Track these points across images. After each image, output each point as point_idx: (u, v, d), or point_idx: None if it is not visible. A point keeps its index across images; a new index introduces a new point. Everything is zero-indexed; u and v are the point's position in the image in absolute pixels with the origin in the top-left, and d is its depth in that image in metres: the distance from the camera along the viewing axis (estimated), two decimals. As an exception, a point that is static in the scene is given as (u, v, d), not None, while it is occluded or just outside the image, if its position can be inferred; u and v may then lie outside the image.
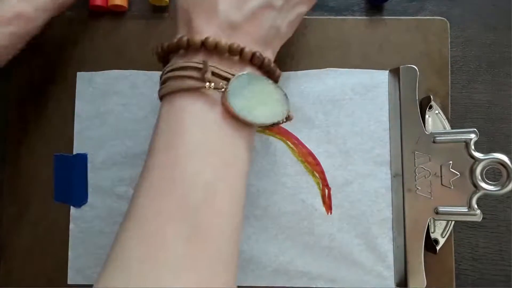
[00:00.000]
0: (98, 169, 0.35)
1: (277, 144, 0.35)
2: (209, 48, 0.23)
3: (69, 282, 0.34)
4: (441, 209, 0.32)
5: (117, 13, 0.36)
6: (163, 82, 0.24)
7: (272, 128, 0.35)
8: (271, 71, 0.25)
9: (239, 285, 0.34)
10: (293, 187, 0.34)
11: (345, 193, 0.35)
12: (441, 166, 0.33)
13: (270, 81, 0.24)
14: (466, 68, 0.37)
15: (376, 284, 0.34)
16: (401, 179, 0.34)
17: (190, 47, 0.23)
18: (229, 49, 0.23)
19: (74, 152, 0.35)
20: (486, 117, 0.37)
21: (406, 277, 0.33)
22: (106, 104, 0.35)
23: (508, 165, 0.31)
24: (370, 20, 0.36)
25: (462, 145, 0.32)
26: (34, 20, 0.29)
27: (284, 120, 0.25)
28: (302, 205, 0.34)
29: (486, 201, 0.36)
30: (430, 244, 0.33)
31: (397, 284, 0.34)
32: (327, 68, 0.35)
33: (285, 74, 0.35)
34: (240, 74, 0.23)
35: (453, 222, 0.34)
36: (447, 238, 0.34)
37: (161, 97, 0.24)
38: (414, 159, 0.33)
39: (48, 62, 0.35)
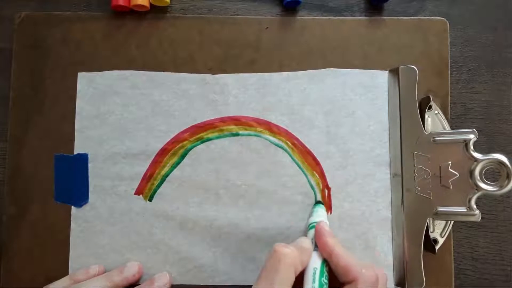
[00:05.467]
0: (98, 168, 0.35)
1: (277, 144, 0.35)
2: None
3: (70, 281, 0.34)
4: (440, 209, 0.33)
5: (119, 13, 0.36)
6: None
7: (272, 129, 0.35)
8: None
9: (240, 284, 0.34)
10: (293, 187, 0.35)
11: (345, 193, 0.35)
12: (440, 166, 0.33)
13: None
14: (466, 68, 0.37)
15: (376, 284, 0.34)
16: (401, 179, 0.34)
17: None
18: None
19: (75, 152, 0.35)
20: (486, 117, 0.37)
21: (406, 277, 0.33)
22: (107, 104, 0.35)
23: (507, 165, 0.31)
24: (370, 20, 0.36)
25: (462, 145, 0.32)
26: None
27: None
28: (302, 205, 0.34)
29: (485, 201, 0.36)
30: (429, 244, 0.33)
31: (397, 284, 0.34)
32: (327, 68, 0.36)
33: (285, 74, 0.35)
34: None
35: (452, 222, 0.34)
36: (446, 238, 0.34)
37: None
38: (414, 159, 0.33)
39: (48, 62, 0.35)
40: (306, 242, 0.28)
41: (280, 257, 0.26)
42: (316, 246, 0.28)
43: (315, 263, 0.27)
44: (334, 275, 0.27)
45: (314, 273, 0.26)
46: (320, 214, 0.31)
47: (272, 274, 0.25)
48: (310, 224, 0.30)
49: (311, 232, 0.29)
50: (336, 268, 0.27)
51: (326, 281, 0.26)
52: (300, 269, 0.26)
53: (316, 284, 0.25)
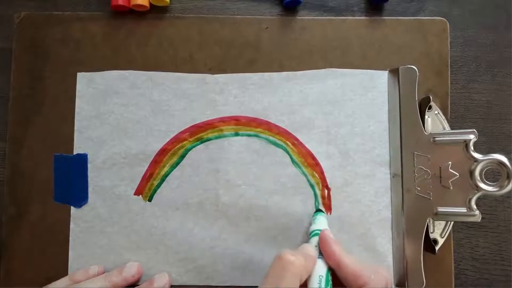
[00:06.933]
0: (98, 169, 0.35)
1: (277, 144, 0.35)
2: None
3: (69, 282, 0.34)
4: (440, 209, 0.33)
5: (119, 13, 0.36)
6: None
7: (272, 129, 0.35)
8: None
9: (239, 285, 0.34)
10: (293, 187, 0.35)
11: (344, 194, 0.35)
12: (440, 167, 0.33)
13: None
14: (466, 68, 0.37)
15: (376, 284, 0.34)
16: (401, 180, 0.34)
17: None
18: None
19: (74, 152, 0.35)
20: (486, 117, 0.37)
21: (406, 277, 0.33)
22: (106, 104, 0.35)
23: (507, 165, 0.31)
24: (370, 20, 0.36)
25: (462, 146, 0.32)
26: None
27: None
28: (302, 205, 0.34)
29: (485, 201, 0.36)
30: (429, 244, 0.33)
31: (397, 284, 0.34)
32: (327, 68, 0.35)
33: (285, 74, 0.35)
34: None
35: (452, 222, 0.34)
36: (446, 238, 0.34)
37: None
38: (414, 159, 0.33)
39: (48, 62, 0.35)
40: (311, 250, 0.28)
41: (286, 265, 0.25)
42: (320, 254, 0.28)
43: (321, 270, 0.27)
44: (338, 282, 0.27)
45: (320, 281, 0.26)
46: (322, 222, 0.31)
47: (278, 282, 0.25)
48: (312, 232, 0.30)
49: (314, 239, 0.29)
50: (346, 276, 0.26)
51: None
52: (305, 277, 0.26)
53: None
